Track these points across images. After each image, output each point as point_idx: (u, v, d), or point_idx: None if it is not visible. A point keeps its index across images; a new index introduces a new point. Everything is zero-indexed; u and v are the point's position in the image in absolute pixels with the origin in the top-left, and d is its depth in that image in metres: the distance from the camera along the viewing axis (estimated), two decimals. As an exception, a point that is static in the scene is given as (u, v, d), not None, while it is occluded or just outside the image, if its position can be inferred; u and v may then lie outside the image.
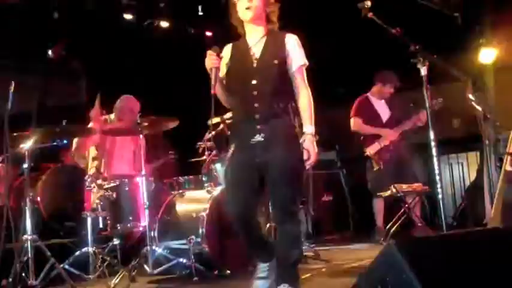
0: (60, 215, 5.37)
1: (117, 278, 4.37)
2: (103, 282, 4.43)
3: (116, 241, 4.78)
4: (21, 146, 4.44)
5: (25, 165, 4.44)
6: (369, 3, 3.72)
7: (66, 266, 4.46)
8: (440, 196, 3.66)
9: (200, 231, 4.53)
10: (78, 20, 6.66)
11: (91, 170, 5.23)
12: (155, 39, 7.23)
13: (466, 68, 6.54)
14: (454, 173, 7.46)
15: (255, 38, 3.29)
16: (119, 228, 4.76)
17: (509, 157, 5.02)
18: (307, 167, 3.18)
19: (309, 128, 3.22)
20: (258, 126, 3.17)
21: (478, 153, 6.87)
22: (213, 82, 3.17)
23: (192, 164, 5.46)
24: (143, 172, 4.68)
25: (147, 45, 7.17)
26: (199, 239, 4.52)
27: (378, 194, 6.21)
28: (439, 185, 3.66)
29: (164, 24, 7.19)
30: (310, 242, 5.67)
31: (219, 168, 4.94)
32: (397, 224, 5.88)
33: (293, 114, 3.26)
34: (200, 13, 7.03)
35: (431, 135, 3.63)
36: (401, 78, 6.44)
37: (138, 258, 4.57)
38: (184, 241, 4.55)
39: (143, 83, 6.51)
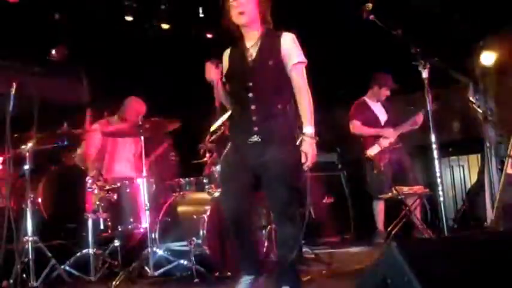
0: (61, 216, 5.37)
1: (118, 279, 4.37)
2: (104, 284, 4.43)
3: (117, 242, 4.78)
4: (23, 147, 4.45)
5: (26, 167, 4.45)
6: (370, 6, 3.72)
7: (67, 267, 4.48)
8: (441, 199, 3.66)
9: (201, 233, 4.53)
10: (79, 21, 6.67)
11: (92, 172, 5.24)
12: (156, 41, 7.24)
13: (467, 70, 6.56)
14: (455, 176, 7.46)
15: (252, 40, 3.28)
16: (119, 229, 4.77)
17: (510, 160, 5.03)
18: (305, 169, 3.13)
19: (308, 128, 3.17)
20: (255, 128, 3.16)
21: (479, 156, 6.87)
22: (215, 95, 3.19)
23: (193, 165, 5.46)
24: (144, 174, 4.68)
25: (148, 47, 7.17)
26: (200, 241, 4.52)
27: (379, 196, 6.21)
28: (440, 188, 3.66)
29: (165, 26, 7.19)
30: (311, 244, 5.66)
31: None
32: (397, 227, 5.88)
33: (292, 115, 3.22)
34: (201, 15, 7.03)
35: (433, 137, 3.63)
36: (402, 80, 6.44)
37: (139, 259, 4.58)
38: (185, 243, 4.55)
39: (144, 85, 6.50)
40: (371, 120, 6.48)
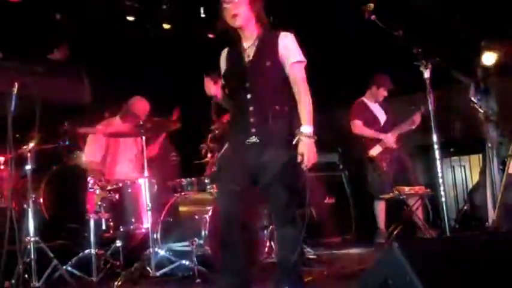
0: (63, 217, 5.37)
1: (120, 279, 4.38)
2: (105, 284, 4.44)
3: (119, 243, 4.78)
4: (24, 147, 4.45)
5: (28, 167, 4.45)
6: (371, 6, 3.71)
7: (69, 268, 4.49)
8: (443, 199, 3.65)
9: (203, 233, 4.54)
10: (81, 21, 6.67)
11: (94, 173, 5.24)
12: (157, 41, 7.24)
13: (469, 70, 6.55)
14: (457, 176, 7.45)
15: (249, 41, 3.24)
16: (121, 230, 4.77)
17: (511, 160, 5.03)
18: (304, 169, 3.03)
19: (305, 128, 3.07)
20: (253, 129, 3.12)
21: (481, 156, 6.86)
22: (213, 109, 3.17)
23: (195, 166, 5.46)
24: (146, 174, 4.68)
25: (149, 47, 7.17)
26: (201, 241, 4.52)
27: (380, 196, 6.21)
28: (442, 188, 3.65)
29: (166, 26, 7.19)
30: (312, 244, 5.66)
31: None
32: (399, 227, 5.88)
33: (291, 116, 3.16)
34: (202, 15, 7.03)
35: (435, 138, 3.63)
36: (402, 80, 6.45)
37: (141, 260, 4.58)
38: (186, 243, 4.56)
39: (145, 85, 6.50)
40: (371, 120, 6.50)
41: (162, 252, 4.59)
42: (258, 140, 3.10)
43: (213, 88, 3.15)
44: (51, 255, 4.37)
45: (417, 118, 6.31)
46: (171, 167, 6.44)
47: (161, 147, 5.93)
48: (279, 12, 6.21)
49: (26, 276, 4.18)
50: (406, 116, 6.49)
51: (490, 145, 5.70)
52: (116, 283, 4.32)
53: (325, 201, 6.83)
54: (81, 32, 6.63)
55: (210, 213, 4.58)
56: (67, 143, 4.99)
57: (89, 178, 4.84)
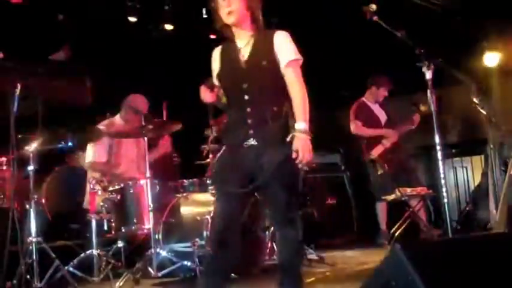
0: (65, 217, 5.38)
1: (122, 280, 4.38)
2: (107, 285, 4.44)
3: (121, 243, 4.79)
4: (26, 148, 4.46)
5: (30, 167, 4.46)
6: (374, 7, 3.70)
7: (71, 268, 4.49)
8: (445, 200, 3.64)
9: (204, 234, 4.54)
10: (83, 22, 6.68)
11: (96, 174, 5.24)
12: (159, 42, 7.25)
13: (471, 71, 6.55)
14: (459, 177, 7.45)
15: (244, 40, 3.16)
16: (123, 230, 4.77)
17: (514, 161, 5.02)
18: (300, 167, 2.96)
19: (300, 124, 2.99)
20: (251, 131, 3.05)
21: (483, 157, 6.86)
22: (209, 111, 3.11)
23: (197, 166, 5.46)
24: (148, 174, 4.68)
25: (151, 48, 7.18)
26: (203, 242, 4.52)
27: (382, 197, 6.21)
28: (444, 189, 3.64)
29: (168, 26, 7.20)
30: (314, 245, 5.66)
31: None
32: (401, 228, 5.88)
33: (289, 117, 3.08)
34: (204, 16, 7.03)
35: (437, 139, 3.62)
36: (403, 81, 6.46)
37: (143, 260, 4.58)
38: (188, 244, 4.56)
39: (147, 86, 6.50)
40: (371, 121, 6.51)
41: (163, 253, 4.59)
42: (256, 143, 3.04)
43: (209, 96, 3.06)
44: (53, 255, 4.37)
45: (416, 118, 6.33)
46: (171, 167, 6.44)
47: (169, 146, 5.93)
48: (280, 12, 6.25)
49: (28, 276, 4.19)
50: (406, 115, 6.51)
51: (492, 146, 5.68)
52: (117, 284, 4.32)
53: (327, 202, 6.83)
54: (83, 32, 6.63)
55: (211, 214, 4.58)
56: (69, 144, 4.98)
57: (90, 179, 4.84)
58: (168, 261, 4.55)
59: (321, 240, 6.33)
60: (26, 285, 4.14)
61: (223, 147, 3.21)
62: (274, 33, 3.15)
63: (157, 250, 4.54)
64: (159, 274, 4.44)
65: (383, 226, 6.34)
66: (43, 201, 5.32)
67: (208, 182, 5.04)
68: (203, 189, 5.07)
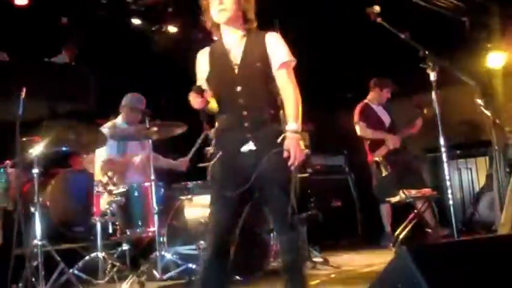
0: (70, 220, 5.38)
1: (127, 283, 4.38)
2: (112, 287, 4.44)
3: (125, 246, 4.79)
4: (31, 151, 4.46)
5: (35, 170, 4.46)
6: (377, 8, 3.70)
7: (76, 271, 4.50)
8: (451, 202, 3.64)
9: (209, 236, 4.52)
10: (87, 25, 6.70)
11: (99, 176, 5.24)
12: (163, 44, 7.25)
13: (475, 72, 6.55)
14: (463, 178, 7.45)
15: (233, 41, 3.07)
16: (128, 233, 4.77)
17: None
18: (291, 168, 2.90)
19: (291, 125, 2.93)
20: (248, 135, 2.97)
21: (487, 159, 6.85)
22: (203, 121, 2.99)
23: (201, 169, 5.45)
24: (152, 177, 4.68)
25: (155, 50, 7.19)
26: (208, 245, 4.50)
27: (386, 199, 6.19)
28: (450, 191, 3.63)
29: (172, 29, 7.20)
30: (319, 247, 5.65)
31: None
32: (406, 230, 5.86)
33: (285, 119, 3.03)
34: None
35: (442, 141, 3.61)
36: (407, 82, 6.47)
37: (147, 263, 4.58)
38: (193, 246, 4.56)
39: (151, 88, 6.51)
40: (375, 123, 6.52)
41: (168, 256, 4.59)
42: (254, 147, 2.97)
43: (199, 102, 2.91)
44: (58, 258, 4.37)
45: (419, 122, 6.32)
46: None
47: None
48: (284, 14, 6.25)
49: (33, 279, 4.18)
50: (409, 116, 6.51)
51: (496, 147, 5.67)
52: (122, 286, 4.32)
53: (332, 204, 6.83)
54: (87, 35, 6.65)
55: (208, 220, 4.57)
56: (73, 148, 4.99)
57: (95, 182, 4.84)
58: (173, 264, 4.55)
59: (326, 242, 6.33)
60: (31, 288, 4.14)
61: (219, 153, 3.07)
62: (265, 34, 3.08)
63: (162, 253, 4.53)
64: (164, 277, 4.43)
65: (388, 228, 6.33)
66: (47, 204, 5.32)
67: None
68: (207, 191, 5.04)
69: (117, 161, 5.31)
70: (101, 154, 5.35)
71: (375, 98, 6.62)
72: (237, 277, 4.46)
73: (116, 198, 4.77)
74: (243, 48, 3.05)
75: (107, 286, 4.51)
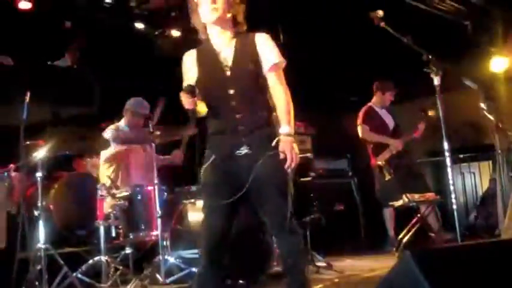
0: (73, 224, 5.38)
1: (130, 287, 4.38)
2: (115, 291, 4.44)
3: (128, 250, 4.79)
4: (34, 155, 4.47)
5: (38, 174, 4.47)
6: (381, 13, 3.71)
7: (79, 275, 4.49)
8: (454, 207, 3.63)
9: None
10: (90, 29, 6.71)
11: (103, 179, 5.25)
12: (166, 48, 7.26)
13: (478, 77, 6.55)
14: (466, 182, 7.45)
15: (222, 43, 3.02)
16: (131, 237, 4.77)
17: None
18: (288, 170, 2.85)
19: (284, 128, 2.90)
20: (243, 139, 2.92)
21: (490, 163, 6.85)
22: (191, 121, 2.96)
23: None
24: (156, 181, 4.69)
25: (158, 54, 7.20)
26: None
27: (389, 203, 6.19)
28: (453, 196, 3.63)
29: (175, 33, 7.21)
30: (322, 252, 5.64)
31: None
32: (409, 234, 5.85)
33: (278, 121, 2.99)
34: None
35: (446, 145, 3.61)
36: (411, 86, 6.47)
37: (151, 267, 4.58)
38: (196, 250, 4.55)
39: (155, 92, 6.52)
40: (379, 125, 6.52)
41: (171, 260, 4.59)
42: (249, 151, 2.92)
43: (190, 102, 2.84)
44: (62, 262, 4.37)
45: (421, 127, 6.33)
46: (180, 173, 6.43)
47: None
48: (290, 19, 6.26)
49: (37, 283, 4.19)
50: (413, 121, 6.51)
51: (499, 151, 5.67)
52: (126, 290, 4.33)
53: (335, 208, 6.82)
54: (91, 39, 6.66)
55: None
56: (77, 150, 5.00)
57: (98, 185, 4.85)
58: (176, 268, 4.55)
59: (329, 246, 6.32)
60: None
61: (212, 157, 3.01)
62: (254, 34, 3.04)
63: (165, 257, 4.54)
64: (167, 281, 4.43)
65: (391, 232, 6.33)
66: (51, 207, 5.32)
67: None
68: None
69: (121, 152, 5.32)
70: (105, 155, 5.38)
71: (378, 101, 6.64)
72: (241, 281, 4.47)
73: (119, 202, 4.78)
74: (233, 49, 3.00)
75: (110, 290, 4.50)
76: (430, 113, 6.11)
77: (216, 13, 2.96)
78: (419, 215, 5.86)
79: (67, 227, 5.34)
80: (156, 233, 4.63)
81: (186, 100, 2.84)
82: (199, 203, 4.99)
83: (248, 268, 4.51)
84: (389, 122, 6.60)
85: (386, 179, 6.24)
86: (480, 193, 7.15)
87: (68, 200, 5.31)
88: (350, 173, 7.31)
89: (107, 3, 6.49)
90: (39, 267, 4.23)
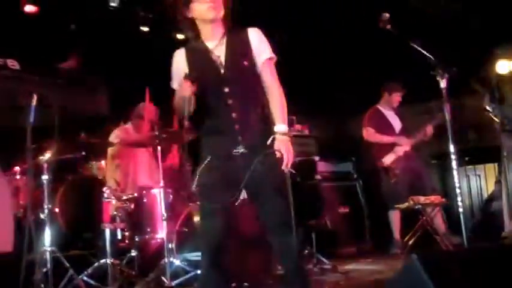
0: (79, 226, 5.39)
1: (135, 289, 4.39)
2: (121, 294, 4.45)
3: (134, 252, 4.80)
4: (40, 157, 4.49)
5: (44, 177, 4.49)
6: (387, 15, 3.71)
7: (85, 278, 4.50)
8: (460, 209, 3.63)
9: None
10: (96, 32, 6.73)
11: (109, 181, 5.27)
12: (172, 51, 7.27)
13: (483, 79, 6.53)
14: (472, 185, 7.42)
15: (214, 40, 2.96)
16: (137, 239, 4.79)
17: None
18: (284, 169, 2.83)
19: (280, 126, 2.88)
20: (240, 138, 2.88)
21: (496, 165, 6.83)
22: (186, 113, 2.84)
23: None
24: (161, 183, 4.70)
25: (164, 57, 7.20)
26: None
27: (395, 206, 6.18)
28: (459, 199, 3.62)
29: (180, 36, 7.22)
30: (327, 254, 5.63)
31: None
32: (415, 237, 5.85)
33: (272, 118, 2.95)
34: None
35: (452, 147, 3.60)
36: (418, 89, 6.46)
37: (156, 269, 4.59)
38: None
39: (161, 95, 6.53)
40: (385, 127, 6.51)
41: (177, 262, 4.59)
42: (246, 150, 2.87)
43: (188, 90, 2.82)
44: (68, 264, 4.39)
45: (429, 129, 6.31)
46: (185, 176, 6.43)
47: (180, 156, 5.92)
48: (297, 22, 6.26)
49: (43, 286, 4.20)
50: (421, 124, 6.50)
51: (505, 154, 5.66)
52: (131, 293, 4.33)
53: (340, 210, 6.81)
54: (97, 42, 6.68)
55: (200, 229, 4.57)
56: (83, 153, 5.01)
57: (104, 188, 4.86)
58: (182, 271, 4.55)
59: (334, 249, 6.32)
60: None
61: (208, 158, 2.96)
62: (247, 29, 3.00)
63: (171, 259, 4.54)
64: (173, 283, 4.43)
65: (396, 235, 6.31)
66: (57, 210, 5.33)
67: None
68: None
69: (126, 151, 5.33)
70: (112, 152, 5.41)
71: (385, 103, 6.63)
72: (245, 283, 4.47)
73: (124, 205, 4.79)
74: (225, 46, 2.96)
75: (115, 292, 4.51)
76: (437, 116, 6.09)
77: (213, 11, 2.91)
78: (424, 218, 5.85)
79: (73, 230, 5.34)
80: (162, 235, 4.64)
81: (186, 87, 2.82)
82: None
83: (253, 270, 4.51)
84: (396, 123, 6.58)
85: (392, 181, 6.24)
86: (486, 196, 7.12)
87: (74, 202, 5.32)
88: (355, 176, 7.29)
89: (112, 6, 6.51)
90: (45, 269, 4.25)
